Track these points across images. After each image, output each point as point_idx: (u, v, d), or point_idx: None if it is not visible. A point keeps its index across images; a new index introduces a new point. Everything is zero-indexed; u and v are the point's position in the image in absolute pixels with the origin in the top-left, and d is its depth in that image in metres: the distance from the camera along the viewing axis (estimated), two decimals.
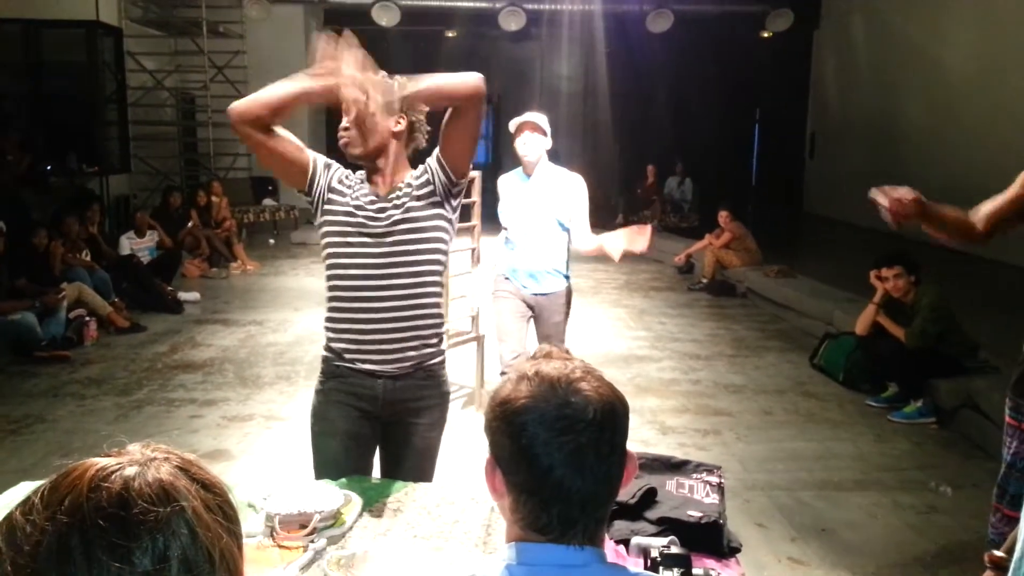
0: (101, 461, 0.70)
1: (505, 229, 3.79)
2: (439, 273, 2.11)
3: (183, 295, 7.25)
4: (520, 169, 3.74)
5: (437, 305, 2.12)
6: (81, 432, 4.25)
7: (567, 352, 1.12)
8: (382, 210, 2.02)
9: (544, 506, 0.97)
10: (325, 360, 2.15)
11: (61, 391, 4.90)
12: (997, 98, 8.71)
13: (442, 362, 2.18)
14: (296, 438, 4.17)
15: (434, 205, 2.04)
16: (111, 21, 10.09)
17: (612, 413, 1.00)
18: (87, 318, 5.98)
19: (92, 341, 5.92)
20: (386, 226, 2.01)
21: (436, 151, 2.08)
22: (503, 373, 3.48)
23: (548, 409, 0.97)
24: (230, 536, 0.74)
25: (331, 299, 2.09)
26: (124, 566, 0.64)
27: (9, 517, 0.67)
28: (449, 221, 2.09)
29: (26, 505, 0.67)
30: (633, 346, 6.06)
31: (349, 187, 2.06)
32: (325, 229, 2.07)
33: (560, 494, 0.96)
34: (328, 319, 2.11)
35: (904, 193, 2.25)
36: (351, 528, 1.79)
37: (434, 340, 2.13)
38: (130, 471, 0.69)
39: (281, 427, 4.31)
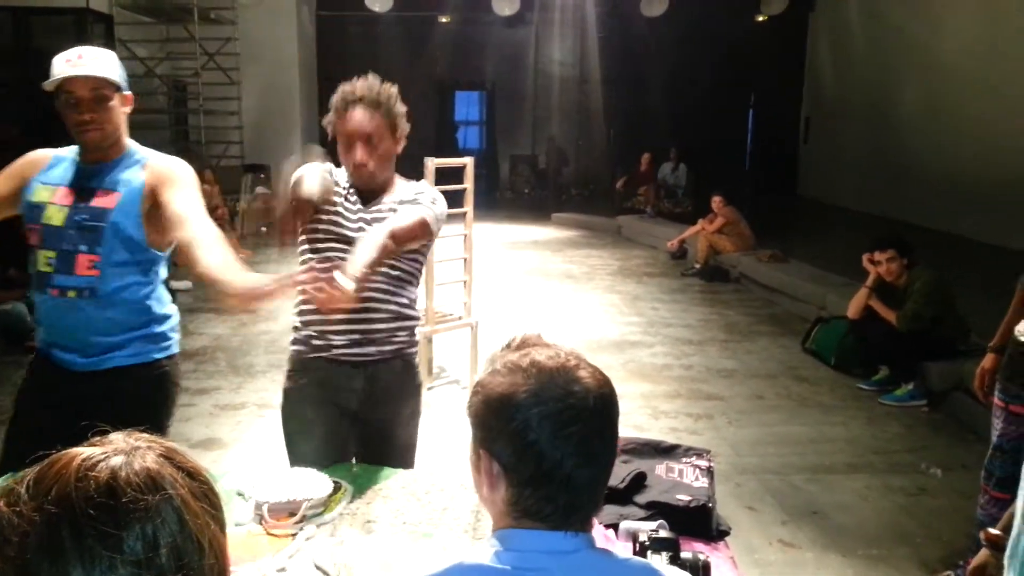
0: (85, 451, 0.70)
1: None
2: (419, 267, 2.13)
3: (175, 284, 7.21)
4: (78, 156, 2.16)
5: (414, 291, 2.14)
6: None
7: (540, 337, 1.11)
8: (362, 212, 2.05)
9: (550, 497, 0.97)
10: (297, 354, 2.11)
11: None
12: (993, 81, 8.70)
13: (415, 352, 2.20)
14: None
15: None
16: (101, 8, 9.99)
17: (609, 398, 1.00)
18: None
19: None
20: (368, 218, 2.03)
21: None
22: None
23: (551, 401, 0.96)
24: (216, 523, 0.75)
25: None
26: (115, 555, 0.64)
27: None
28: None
29: (11, 496, 0.66)
30: (626, 332, 6.06)
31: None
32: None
33: (569, 485, 0.96)
34: (303, 302, 2.05)
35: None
36: (340, 515, 1.79)
37: (413, 325, 2.14)
38: (116, 460, 0.69)
39: (273, 415, 4.27)
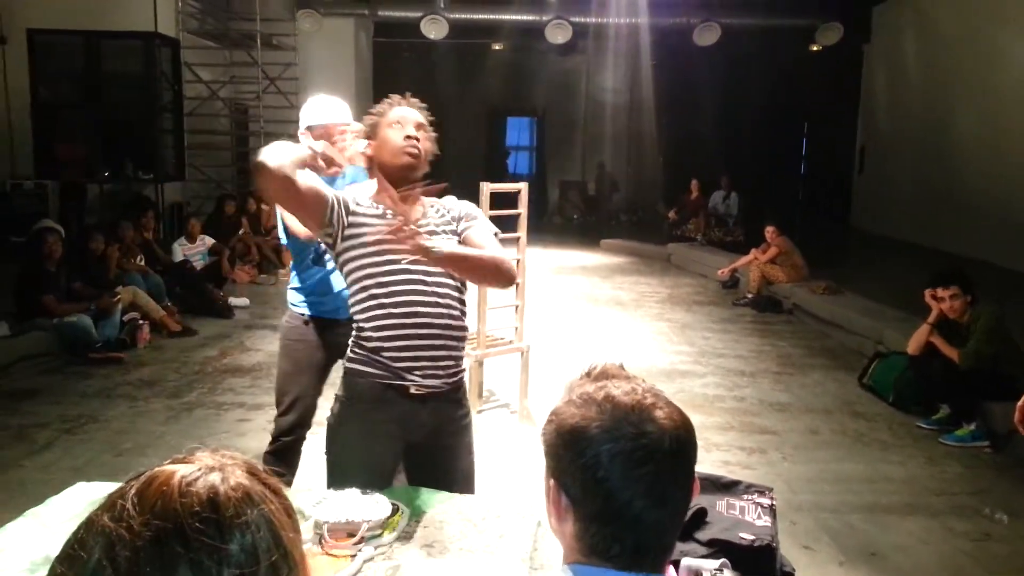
0: (180, 468, 0.72)
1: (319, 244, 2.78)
2: (465, 293, 2.13)
3: (233, 301, 7.40)
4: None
5: (465, 322, 2.14)
6: (133, 433, 4.35)
7: (622, 367, 1.10)
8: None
9: (617, 537, 0.94)
10: (354, 375, 2.08)
11: (114, 392, 5.03)
12: None
13: (462, 381, 2.19)
14: None
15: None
16: (169, 33, 10.37)
17: (686, 441, 0.98)
18: (140, 321, 6.13)
19: (145, 344, 6.07)
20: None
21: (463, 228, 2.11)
22: (274, 444, 2.97)
23: (624, 439, 0.94)
24: (300, 540, 0.77)
25: (376, 314, 2.03)
26: (222, 567, 0.67)
27: (96, 525, 0.68)
28: None
29: (114, 511, 0.68)
30: (676, 360, 6.00)
31: (371, 206, 2.07)
32: (358, 248, 2.03)
33: (637, 526, 0.94)
34: (369, 331, 2.03)
35: None
36: (398, 538, 1.80)
37: (462, 358, 2.15)
38: (214, 477, 0.71)
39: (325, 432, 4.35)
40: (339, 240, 2.03)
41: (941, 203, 10.51)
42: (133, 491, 0.70)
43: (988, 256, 8.66)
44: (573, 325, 7.10)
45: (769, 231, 8.20)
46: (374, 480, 2.04)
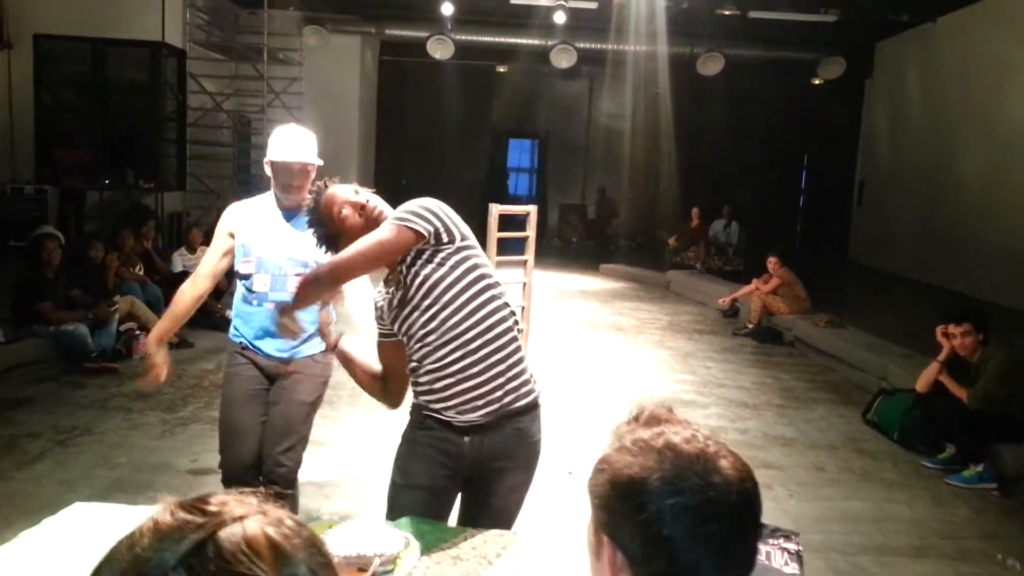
0: (259, 522, 0.68)
1: (246, 279, 2.91)
2: (506, 313, 2.00)
3: (231, 313, 7.31)
4: (275, 201, 2.90)
5: (516, 341, 2.01)
6: (127, 447, 4.27)
7: (671, 410, 1.03)
8: (403, 288, 2.02)
9: None
10: (416, 407, 2.09)
11: (108, 404, 4.94)
12: None
13: (534, 417, 2.07)
14: (338, 464, 4.14)
15: (436, 254, 1.97)
16: (176, 43, 10.38)
17: (753, 493, 0.90)
18: (137, 332, 6.04)
19: (141, 355, 5.97)
20: (424, 290, 1.98)
21: None
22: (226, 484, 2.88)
23: (689, 492, 0.86)
24: None
25: (409, 358, 2.07)
26: None
27: None
28: (464, 249, 1.98)
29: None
30: (678, 390, 5.94)
31: (382, 303, 2.10)
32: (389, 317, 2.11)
33: None
34: (426, 369, 2.02)
35: None
36: (409, 574, 1.73)
37: (517, 386, 2.02)
38: (272, 519, 0.69)
39: (323, 452, 4.27)
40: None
41: (940, 239, 10.53)
42: (246, 552, 0.65)
43: (983, 294, 8.64)
44: (574, 350, 7.03)
45: (771, 262, 8.18)
46: (419, 500, 2.03)
